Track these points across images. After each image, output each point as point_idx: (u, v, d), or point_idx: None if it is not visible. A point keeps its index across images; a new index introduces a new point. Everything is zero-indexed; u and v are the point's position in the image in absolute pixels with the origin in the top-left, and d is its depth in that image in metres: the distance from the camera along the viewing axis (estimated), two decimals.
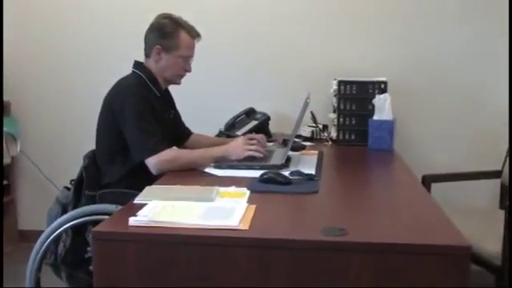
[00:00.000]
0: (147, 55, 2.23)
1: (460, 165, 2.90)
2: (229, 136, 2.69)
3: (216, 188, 1.67)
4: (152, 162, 2.00)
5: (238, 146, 2.08)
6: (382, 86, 2.66)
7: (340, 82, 2.70)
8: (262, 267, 1.27)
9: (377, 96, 2.60)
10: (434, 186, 2.53)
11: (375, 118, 2.57)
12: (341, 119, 2.70)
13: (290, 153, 2.20)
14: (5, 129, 3.15)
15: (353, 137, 2.70)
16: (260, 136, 2.51)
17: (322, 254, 1.25)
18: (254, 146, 2.10)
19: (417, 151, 2.98)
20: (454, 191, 2.82)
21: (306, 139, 2.75)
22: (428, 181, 2.52)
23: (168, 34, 2.18)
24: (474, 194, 3.01)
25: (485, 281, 2.05)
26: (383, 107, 2.56)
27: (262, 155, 2.09)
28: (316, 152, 2.38)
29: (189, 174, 1.97)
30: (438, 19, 3.00)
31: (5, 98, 3.26)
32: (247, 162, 2.04)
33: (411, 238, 1.28)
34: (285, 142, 2.50)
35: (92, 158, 2.19)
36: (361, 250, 1.25)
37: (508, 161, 2.62)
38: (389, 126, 2.53)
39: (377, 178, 2.16)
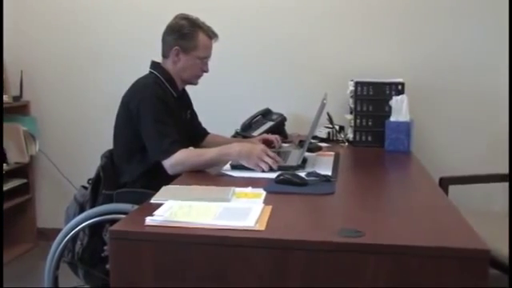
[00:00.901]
0: (165, 56, 2.24)
1: (478, 167, 2.86)
2: (245, 137, 2.69)
3: (232, 188, 1.68)
4: (167, 164, 2.01)
5: (254, 154, 1.98)
6: (399, 87, 2.64)
7: (357, 83, 2.69)
8: (277, 268, 1.27)
9: (394, 97, 2.58)
10: (451, 188, 2.50)
11: (392, 119, 2.55)
12: (357, 120, 2.69)
13: (307, 154, 2.19)
14: (24, 128, 3.20)
15: (369, 138, 2.68)
16: (275, 137, 2.52)
17: (338, 256, 1.25)
18: (269, 162, 1.96)
19: (434, 153, 2.96)
20: (472, 194, 2.80)
21: (322, 140, 2.74)
22: (445, 183, 2.50)
23: (186, 35, 2.19)
24: (492, 196, 2.97)
25: (502, 284, 2.02)
26: (400, 108, 2.54)
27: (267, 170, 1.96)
28: (332, 153, 2.37)
29: (205, 175, 1.98)
30: (456, 20, 2.97)
31: (24, 98, 3.31)
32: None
33: (428, 241, 1.27)
34: (301, 143, 2.50)
35: (109, 158, 2.21)
36: (377, 251, 1.24)
37: None
38: (406, 128, 2.51)
39: (393, 179, 2.14)
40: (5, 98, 3.18)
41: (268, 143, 2.43)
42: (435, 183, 2.00)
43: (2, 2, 3.05)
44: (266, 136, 2.55)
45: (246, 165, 1.99)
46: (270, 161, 1.97)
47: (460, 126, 3.02)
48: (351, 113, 2.76)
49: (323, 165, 2.10)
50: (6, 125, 3.17)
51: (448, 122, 3.03)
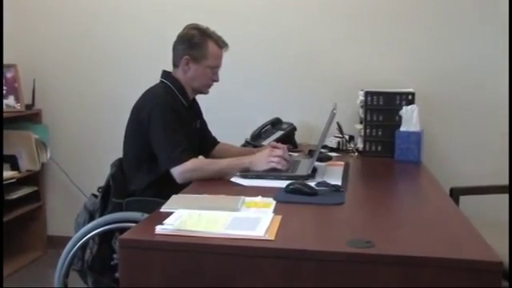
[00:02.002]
0: (175, 65, 2.26)
1: (489, 177, 2.84)
2: (255, 146, 2.69)
3: (242, 198, 1.68)
4: (177, 172, 2.02)
5: (262, 158, 2.09)
6: (410, 97, 2.63)
7: (367, 93, 2.68)
8: (287, 278, 1.26)
9: (404, 107, 2.57)
10: (462, 198, 2.48)
11: (402, 129, 2.55)
12: (367, 130, 2.68)
13: (316, 163, 2.19)
14: (36, 136, 3.22)
15: (379, 148, 2.67)
16: (282, 146, 2.51)
17: (348, 266, 1.24)
18: (278, 158, 2.08)
19: (445, 163, 2.93)
20: (483, 205, 2.77)
21: (331, 150, 2.73)
22: (456, 193, 2.47)
23: (196, 44, 2.20)
24: (504, 207, 2.93)
25: None
26: (410, 118, 2.53)
27: (284, 167, 2.08)
28: (342, 163, 2.37)
29: (215, 184, 1.97)
30: (467, 30, 2.96)
31: (36, 107, 3.34)
32: (273, 172, 2.05)
33: (439, 252, 1.26)
34: (311, 153, 2.49)
35: (119, 166, 2.22)
36: (387, 262, 1.23)
37: None
38: (416, 138, 2.50)
39: (404, 189, 2.13)
40: (17, 106, 3.22)
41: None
42: (446, 194, 1.98)
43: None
44: (274, 144, 2.55)
45: (260, 169, 2.05)
46: (277, 157, 2.06)
47: (471, 136, 3.00)
48: (361, 122, 2.75)
49: (333, 174, 2.10)
50: (18, 132, 3.21)
51: (459, 131, 3.01)
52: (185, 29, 2.26)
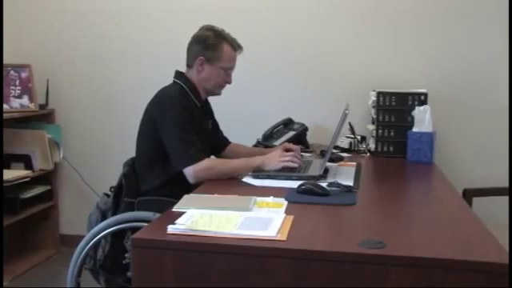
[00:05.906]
0: (189, 66, 2.26)
1: (503, 179, 2.82)
2: (266, 146, 2.69)
3: (254, 198, 1.68)
4: (190, 171, 2.03)
5: (274, 158, 2.11)
6: (422, 97, 2.62)
7: (379, 93, 2.67)
8: (299, 278, 1.26)
9: (416, 108, 2.56)
10: (475, 200, 2.47)
11: (414, 129, 2.53)
12: (379, 131, 2.67)
13: (328, 164, 2.18)
14: (49, 136, 3.25)
15: (391, 149, 2.66)
16: (295, 147, 2.51)
17: (360, 267, 1.24)
18: (289, 156, 2.11)
19: (458, 164, 2.92)
20: (497, 206, 2.75)
21: (343, 150, 2.73)
22: (469, 195, 2.46)
23: (211, 45, 2.21)
24: None
25: None
26: (423, 119, 2.52)
27: (296, 165, 2.10)
28: (354, 163, 2.36)
29: (227, 184, 1.98)
30: (480, 30, 2.94)
31: (49, 106, 3.37)
32: (285, 172, 2.05)
33: (452, 254, 1.25)
34: (322, 153, 2.49)
35: (131, 166, 2.23)
36: (399, 263, 1.23)
37: None
38: (428, 139, 2.49)
39: (416, 190, 2.12)
40: (31, 105, 3.25)
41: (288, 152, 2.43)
42: (459, 195, 1.97)
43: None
44: (286, 145, 2.55)
45: (273, 168, 2.07)
46: (289, 157, 2.10)
47: (484, 137, 2.98)
48: (373, 123, 2.74)
49: (345, 175, 2.10)
50: (31, 132, 3.24)
51: (472, 132, 2.99)
52: (200, 30, 2.27)
